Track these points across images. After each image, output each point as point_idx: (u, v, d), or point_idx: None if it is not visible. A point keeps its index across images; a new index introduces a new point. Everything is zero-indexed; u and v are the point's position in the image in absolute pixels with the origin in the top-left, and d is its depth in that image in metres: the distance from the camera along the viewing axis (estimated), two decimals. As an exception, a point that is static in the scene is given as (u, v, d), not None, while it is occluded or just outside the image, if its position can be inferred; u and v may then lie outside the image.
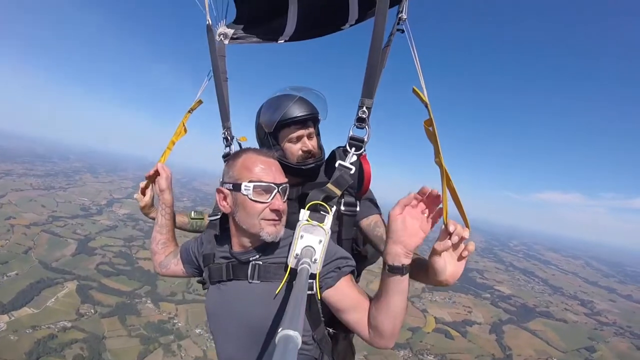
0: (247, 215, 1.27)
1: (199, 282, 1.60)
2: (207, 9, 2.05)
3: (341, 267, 1.26)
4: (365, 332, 1.21)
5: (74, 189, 66.07)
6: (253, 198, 1.25)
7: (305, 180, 1.71)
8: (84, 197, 60.87)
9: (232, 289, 1.36)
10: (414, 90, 1.39)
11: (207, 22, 2.08)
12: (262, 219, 1.27)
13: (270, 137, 1.70)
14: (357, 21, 2.07)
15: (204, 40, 2.08)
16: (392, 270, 1.12)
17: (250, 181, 1.25)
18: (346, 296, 1.24)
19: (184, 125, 1.97)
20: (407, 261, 1.12)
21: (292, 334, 0.60)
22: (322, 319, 1.33)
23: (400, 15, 1.64)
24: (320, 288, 1.24)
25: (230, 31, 2.20)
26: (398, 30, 1.64)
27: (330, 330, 1.45)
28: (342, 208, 1.48)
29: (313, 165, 1.65)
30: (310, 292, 1.20)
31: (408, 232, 1.11)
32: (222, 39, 2.18)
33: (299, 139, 1.65)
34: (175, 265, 1.67)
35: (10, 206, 48.24)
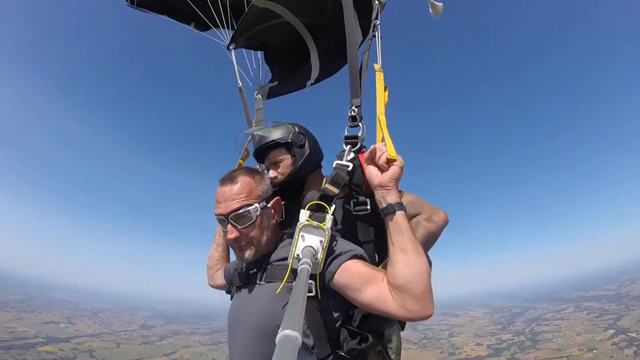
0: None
1: (227, 292, 1.69)
2: (237, 74, 2.47)
3: (343, 254, 1.24)
4: (391, 302, 1.10)
5: (241, 343, 73.34)
6: (221, 229, 1.42)
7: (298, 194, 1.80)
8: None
9: (245, 294, 1.41)
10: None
11: (239, 85, 2.48)
12: (232, 246, 1.41)
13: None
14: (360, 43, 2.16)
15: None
16: (382, 212, 1.21)
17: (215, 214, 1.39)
18: (356, 273, 1.19)
19: (246, 149, 2.27)
20: (391, 199, 1.19)
21: (291, 334, 0.59)
22: (326, 330, 1.26)
23: (374, 22, 1.77)
24: (324, 282, 1.22)
25: (265, 89, 2.55)
26: (374, 36, 1.77)
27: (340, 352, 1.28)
28: (353, 209, 1.50)
29: (278, 186, 1.71)
30: (310, 294, 1.16)
31: (376, 175, 1.25)
32: (260, 97, 2.51)
33: (267, 169, 1.84)
34: (220, 280, 1.80)
35: (182, 361, 50.43)
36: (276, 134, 1.80)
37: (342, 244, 1.31)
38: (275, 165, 1.80)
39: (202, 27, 2.79)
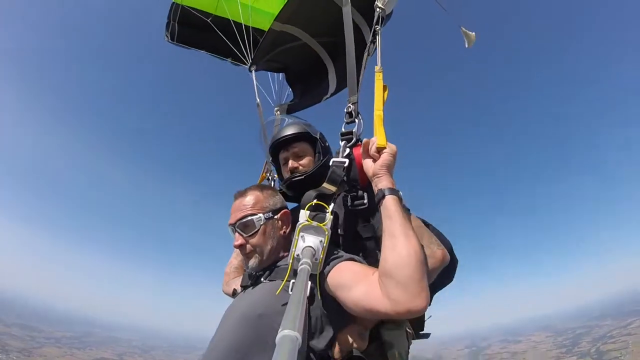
0: None
1: (233, 296, 1.68)
2: (256, 93, 2.61)
3: (341, 257, 1.26)
4: (377, 294, 1.02)
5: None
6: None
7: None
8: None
9: (248, 291, 1.43)
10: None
11: (257, 101, 2.59)
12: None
13: (275, 166, 1.97)
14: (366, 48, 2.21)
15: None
16: (375, 200, 1.21)
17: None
18: (349, 270, 1.18)
19: (267, 164, 2.35)
20: (382, 185, 1.20)
21: (291, 334, 0.58)
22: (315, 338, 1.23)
23: (375, 28, 1.81)
24: (322, 283, 1.21)
25: (284, 107, 2.72)
26: (373, 41, 1.82)
27: None
28: (351, 204, 1.48)
29: (298, 178, 1.69)
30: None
31: (370, 166, 1.28)
32: (279, 113, 2.67)
33: (286, 160, 1.80)
34: (236, 287, 1.77)
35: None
36: (307, 128, 1.83)
37: (342, 252, 1.33)
38: (299, 157, 1.80)
39: (239, 61, 3.00)
